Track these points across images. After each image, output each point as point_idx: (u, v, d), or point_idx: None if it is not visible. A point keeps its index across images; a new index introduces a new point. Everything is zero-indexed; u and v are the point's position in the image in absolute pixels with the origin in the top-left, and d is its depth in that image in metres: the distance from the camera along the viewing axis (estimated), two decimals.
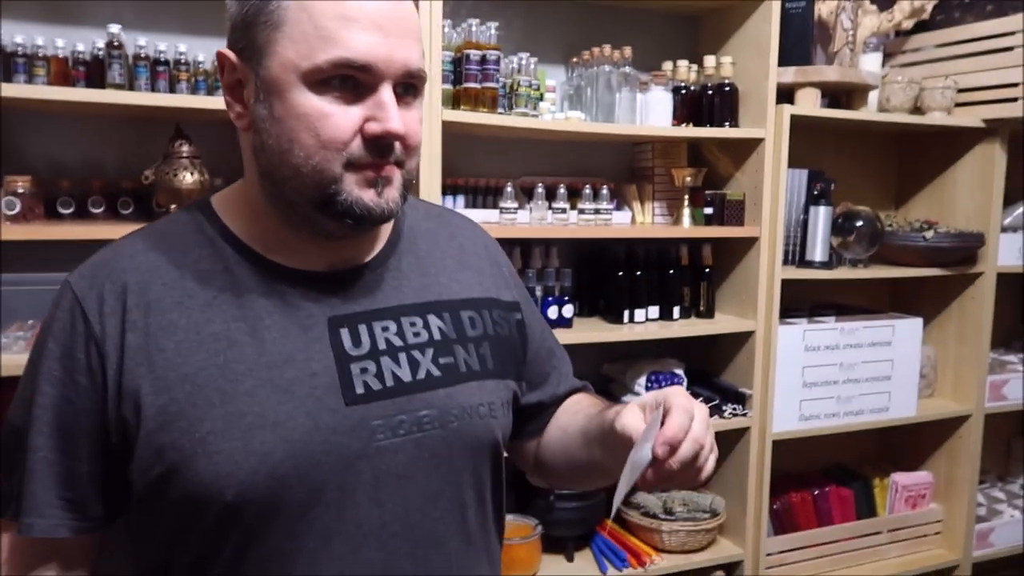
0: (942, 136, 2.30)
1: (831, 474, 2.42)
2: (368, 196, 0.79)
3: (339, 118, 0.76)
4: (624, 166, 2.14)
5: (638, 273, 1.94)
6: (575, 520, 1.94)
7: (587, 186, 1.88)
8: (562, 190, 1.85)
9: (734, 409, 2.00)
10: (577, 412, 1.00)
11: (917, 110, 2.20)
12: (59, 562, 0.85)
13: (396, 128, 0.77)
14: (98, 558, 0.89)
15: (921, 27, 2.31)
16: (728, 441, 2.07)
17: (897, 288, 2.48)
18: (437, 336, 0.88)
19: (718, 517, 2.04)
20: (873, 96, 2.19)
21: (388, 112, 0.77)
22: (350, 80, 0.77)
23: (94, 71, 1.48)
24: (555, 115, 1.83)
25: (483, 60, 1.64)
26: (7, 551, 0.85)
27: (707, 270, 2.03)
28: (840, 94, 2.15)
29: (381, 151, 0.78)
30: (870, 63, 2.17)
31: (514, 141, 1.95)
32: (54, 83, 1.46)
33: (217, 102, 1.50)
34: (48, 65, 1.45)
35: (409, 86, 0.80)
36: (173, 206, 1.46)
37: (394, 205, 0.81)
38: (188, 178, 1.45)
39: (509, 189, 1.78)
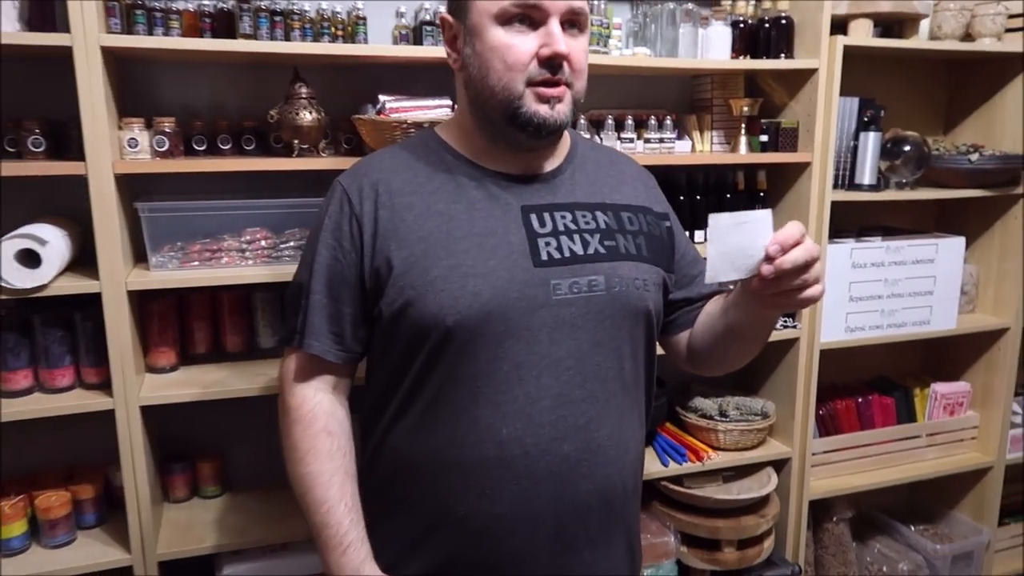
0: (991, 62, 2.38)
1: (875, 384, 2.60)
2: (544, 110, 1.07)
3: (519, 46, 1.05)
4: (685, 98, 2.29)
5: (698, 197, 2.11)
6: None
7: (651, 117, 2.04)
8: (629, 121, 2.02)
9: (785, 321, 2.19)
10: (718, 301, 1.25)
11: (968, 36, 2.29)
12: (328, 378, 1.19)
13: (562, 50, 1.04)
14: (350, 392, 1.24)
15: None
16: (779, 350, 2.27)
17: (943, 209, 2.61)
18: (603, 226, 1.15)
19: (768, 419, 2.25)
20: (925, 24, 2.28)
21: (555, 39, 1.04)
22: (527, 18, 1.05)
23: (220, 23, 1.68)
24: (623, 51, 1.99)
25: None
26: (292, 370, 1.17)
27: (761, 194, 2.19)
28: (892, 23, 2.26)
29: (552, 69, 1.06)
30: None
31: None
32: (186, 35, 1.66)
33: (326, 47, 1.70)
34: (181, 18, 1.65)
35: (573, 22, 1.07)
36: (296, 141, 1.68)
37: (564, 118, 1.09)
38: (307, 116, 1.66)
39: (582, 121, 1.95)
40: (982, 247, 2.53)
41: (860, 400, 2.47)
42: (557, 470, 1.11)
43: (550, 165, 1.18)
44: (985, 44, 2.25)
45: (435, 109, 1.72)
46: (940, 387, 2.56)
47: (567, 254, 1.11)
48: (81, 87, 1.48)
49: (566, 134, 1.22)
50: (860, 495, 2.44)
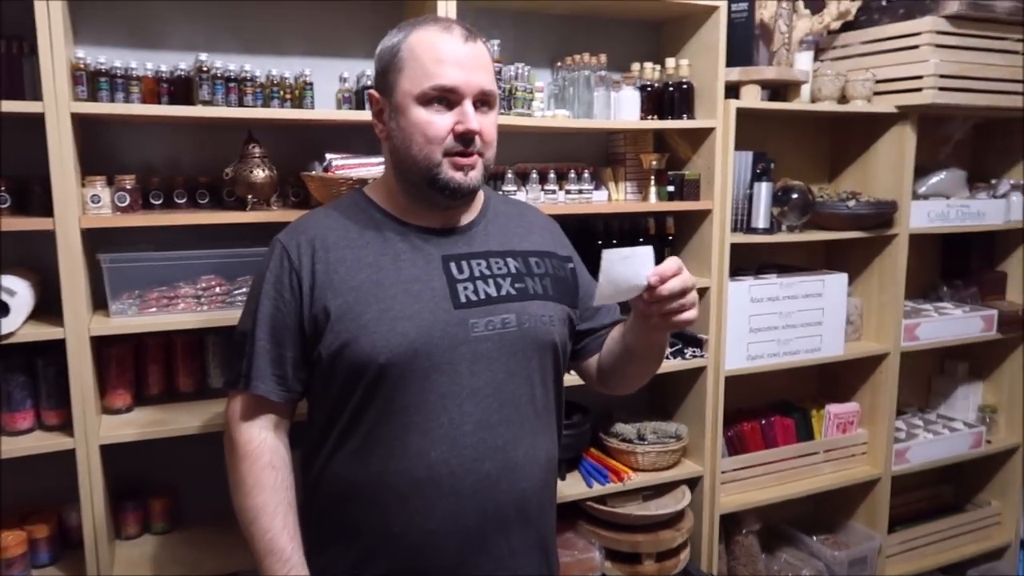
0: (865, 120, 2.72)
1: (776, 407, 2.86)
2: (459, 176, 1.26)
3: (438, 123, 1.24)
4: (601, 153, 2.54)
5: (614, 242, 2.35)
6: (567, 445, 2.32)
7: (571, 170, 2.27)
8: (551, 174, 2.24)
9: (693, 351, 2.44)
10: (619, 328, 1.46)
11: (843, 98, 2.62)
12: (272, 417, 1.33)
13: (474, 127, 1.24)
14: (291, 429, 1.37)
15: (847, 27, 2.73)
16: (689, 378, 2.51)
17: (831, 248, 2.92)
18: (513, 270, 1.35)
19: (682, 441, 2.48)
20: (807, 87, 2.60)
21: (468, 117, 1.24)
22: (444, 99, 1.24)
23: (178, 87, 1.83)
24: (544, 113, 2.21)
25: None
26: (239, 410, 1.31)
27: (670, 237, 2.45)
28: (778, 87, 2.57)
29: (466, 143, 1.25)
30: (803, 60, 2.58)
31: (512, 134, 2.31)
32: (146, 99, 1.80)
33: (276, 112, 1.86)
34: (141, 84, 1.79)
35: (484, 101, 1.27)
36: (249, 196, 1.83)
37: (476, 183, 1.28)
38: (260, 174, 1.82)
39: (509, 175, 2.17)
40: (864, 281, 2.84)
41: (764, 422, 2.73)
42: (480, 487, 1.28)
43: (466, 219, 1.37)
44: (858, 106, 2.58)
45: (377, 166, 1.90)
46: (833, 408, 2.85)
47: (483, 296, 1.30)
48: (52, 150, 1.60)
49: (481, 192, 1.41)
50: (767, 509, 2.68)
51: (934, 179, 2.93)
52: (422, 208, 1.32)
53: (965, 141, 3.11)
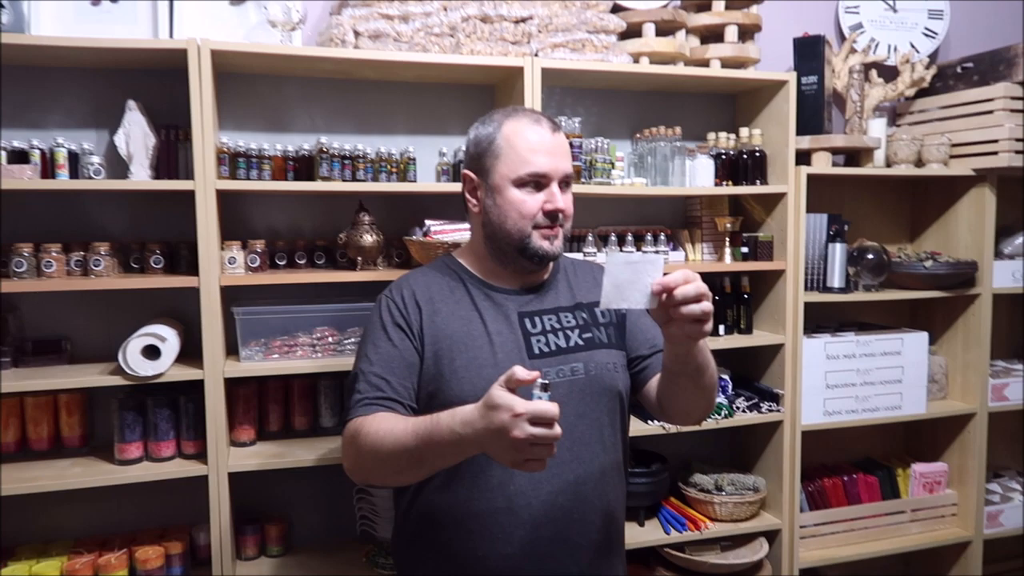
0: (943, 182, 2.79)
1: (860, 464, 2.89)
2: (546, 245, 1.49)
3: (530, 202, 1.47)
4: (679, 216, 2.71)
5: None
6: (645, 493, 2.46)
7: (649, 233, 2.45)
8: (630, 236, 2.43)
9: (770, 406, 2.53)
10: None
11: (920, 162, 2.70)
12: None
13: (561, 206, 1.48)
14: None
15: (922, 93, 2.82)
16: (766, 432, 2.59)
17: (914, 307, 2.96)
18: (580, 322, 1.54)
19: (760, 493, 2.55)
20: (881, 151, 2.70)
21: (556, 197, 1.48)
22: (535, 182, 1.47)
23: (302, 165, 2.13)
24: (624, 180, 2.41)
25: (571, 145, 2.23)
26: (359, 432, 1.36)
27: (746, 296, 2.57)
28: (851, 153, 2.68)
29: (552, 219, 1.48)
30: (877, 126, 2.69)
31: (593, 200, 2.53)
32: (275, 176, 2.10)
33: (384, 185, 2.14)
34: (272, 163, 2.10)
35: (565, 183, 1.50)
36: (359, 257, 2.10)
37: (559, 250, 1.51)
38: (369, 239, 2.09)
39: (590, 237, 2.36)
40: (949, 340, 2.86)
41: (847, 478, 2.77)
42: (554, 516, 1.45)
43: (541, 280, 1.58)
44: (933, 169, 2.66)
45: (467, 231, 2.14)
46: (920, 467, 2.84)
47: (553, 348, 1.49)
48: (199, 219, 1.92)
49: None
50: (851, 566, 2.70)
51: (1020, 239, 2.93)
52: (506, 272, 1.54)
53: None
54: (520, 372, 1.13)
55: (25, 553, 2.04)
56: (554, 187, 1.47)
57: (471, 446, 1.20)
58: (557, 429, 1.12)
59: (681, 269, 1.25)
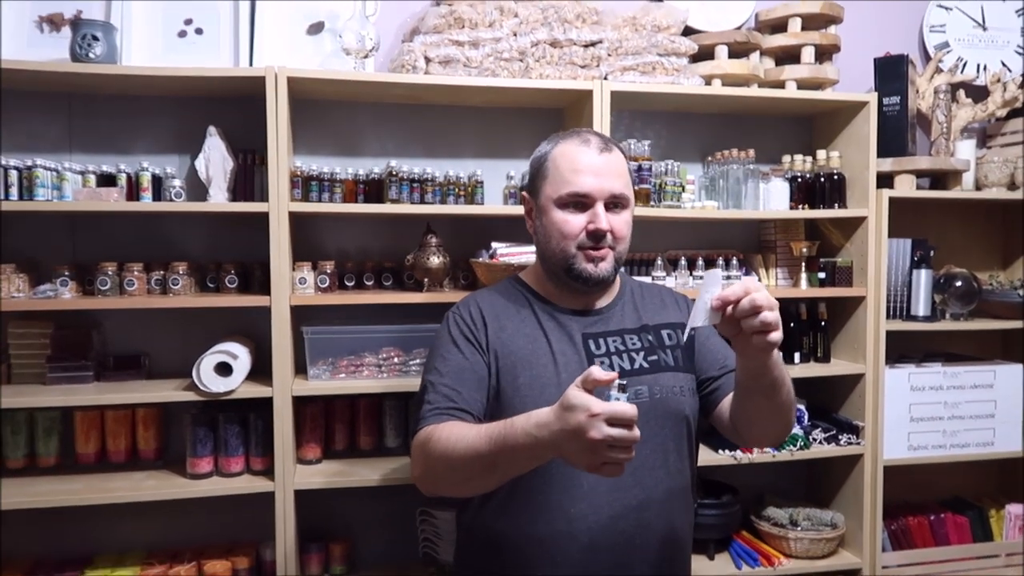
0: None
1: (948, 503, 2.73)
2: (590, 267, 1.46)
3: (572, 222, 1.45)
4: (752, 240, 2.63)
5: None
6: (715, 525, 2.38)
7: (720, 257, 2.39)
8: (700, 260, 2.37)
9: (849, 438, 2.41)
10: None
11: (1013, 185, 2.56)
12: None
13: (603, 227, 1.44)
14: None
15: (1015, 114, 2.68)
16: (845, 466, 2.48)
17: (1007, 337, 2.79)
18: (646, 344, 1.51)
19: (838, 529, 2.43)
20: (970, 174, 2.57)
21: (599, 218, 1.44)
22: (579, 202, 1.44)
23: (372, 187, 2.17)
24: (694, 204, 2.36)
25: (639, 168, 2.21)
26: (430, 439, 1.33)
27: (823, 323, 2.47)
28: (937, 176, 2.56)
29: (596, 239, 1.44)
30: (965, 148, 2.56)
31: (663, 223, 2.49)
32: (347, 199, 2.14)
33: (452, 208, 2.15)
34: (343, 186, 2.15)
35: (616, 203, 1.46)
36: (426, 279, 2.11)
37: (606, 273, 1.47)
38: (436, 260, 2.10)
39: (659, 261, 2.32)
40: None
41: (933, 517, 2.61)
42: (615, 542, 1.41)
43: (603, 302, 1.55)
44: None
45: (532, 253, 2.13)
46: (1015, 508, 2.67)
47: (616, 370, 1.45)
48: (272, 241, 1.97)
49: (618, 278, 1.58)
50: None
51: None
52: (566, 292, 1.52)
53: None
54: (597, 372, 1.10)
55: (102, 562, 2.11)
56: (599, 207, 1.44)
57: (546, 449, 1.17)
58: (636, 431, 1.09)
59: (739, 281, 1.21)
